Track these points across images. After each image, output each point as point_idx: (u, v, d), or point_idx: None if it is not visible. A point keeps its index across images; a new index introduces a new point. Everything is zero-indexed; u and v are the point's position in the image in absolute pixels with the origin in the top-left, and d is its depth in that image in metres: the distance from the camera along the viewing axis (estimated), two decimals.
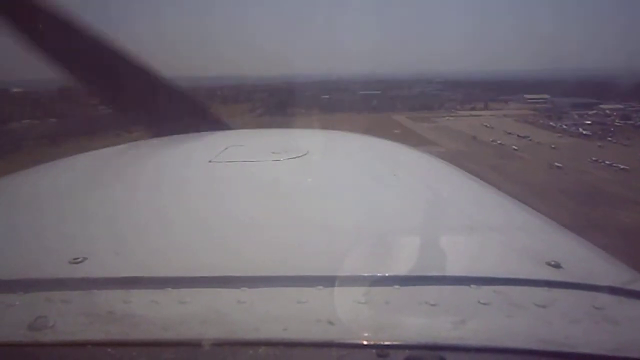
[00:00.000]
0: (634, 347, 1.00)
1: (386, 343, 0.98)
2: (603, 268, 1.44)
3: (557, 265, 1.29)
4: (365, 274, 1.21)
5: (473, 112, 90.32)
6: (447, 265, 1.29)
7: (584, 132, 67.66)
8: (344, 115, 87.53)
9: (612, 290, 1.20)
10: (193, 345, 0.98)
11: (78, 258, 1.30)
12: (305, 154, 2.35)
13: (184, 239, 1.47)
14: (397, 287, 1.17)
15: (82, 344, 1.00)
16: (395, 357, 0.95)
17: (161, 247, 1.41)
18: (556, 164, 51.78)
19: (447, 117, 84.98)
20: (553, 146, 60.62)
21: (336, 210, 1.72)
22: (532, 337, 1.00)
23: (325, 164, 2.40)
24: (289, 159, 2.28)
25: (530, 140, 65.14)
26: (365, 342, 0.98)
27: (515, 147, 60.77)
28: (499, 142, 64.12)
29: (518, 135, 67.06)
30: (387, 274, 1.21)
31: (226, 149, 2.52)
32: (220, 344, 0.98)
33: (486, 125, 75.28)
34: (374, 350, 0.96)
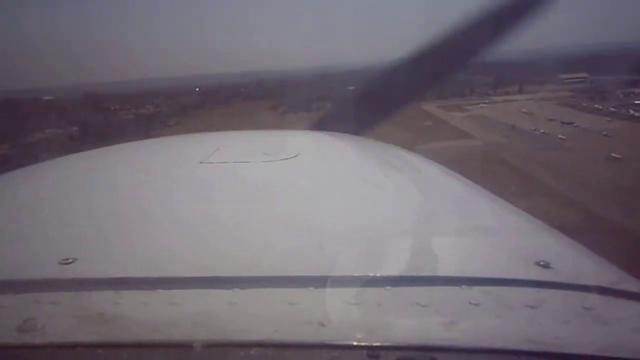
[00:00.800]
0: (623, 347, 1.01)
1: (377, 344, 0.98)
2: (592, 268, 1.45)
3: (546, 266, 1.30)
4: (357, 275, 1.21)
5: (508, 97, 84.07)
6: (438, 266, 1.30)
7: (636, 114, 60.07)
8: None
9: (602, 291, 1.20)
10: (184, 346, 0.98)
11: (68, 259, 1.31)
12: (296, 155, 2.31)
13: (174, 240, 1.46)
14: (388, 288, 1.17)
15: (72, 346, 0.99)
16: (386, 358, 0.95)
17: (152, 248, 1.41)
18: (614, 154, 44.47)
19: (480, 105, 78.91)
20: (604, 133, 53.13)
21: (327, 211, 1.71)
22: (522, 337, 1.01)
23: (316, 165, 2.39)
24: (280, 160, 2.25)
25: (576, 127, 58.64)
26: (356, 343, 0.99)
27: (562, 137, 54.21)
28: (541, 130, 57.84)
29: (562, 122, 60.41)
30: (378, 275, 1.22)
31: (217, 149, 2.46)
32: (211, 346, 0.98)
33: (524, 112, 69.17)
34: (365, 352, 0.96)
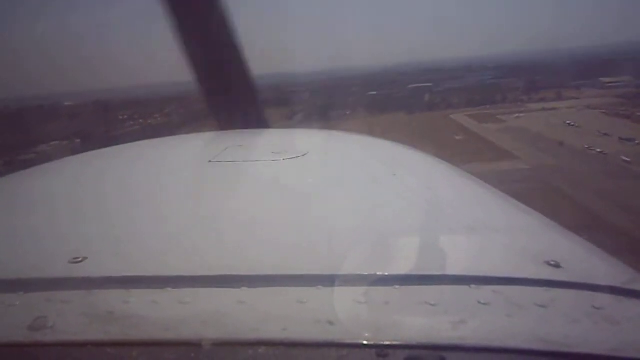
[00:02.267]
0: (634, 347, 0.99)
1: (386, 343, 0.97)
2: (603, 268, 1.43)
3: (556, 265, 1.29)
4: (365, 274, 1.21)
5: (545, 105, 74.24)
6: (447, 265, 1.29)
7: None
8: (394, 116, 74.04)
9: (612, 290, 1.19)
10: (193, 345, 0.97)
11: (78, 258, 1.31)
12: (305, 154, 2.30)
13: (184, 239, 1.47)
14: (397, 287, 1.16)
15: (82, 344, 0.99)
16: (395, 357, 0.94)
17: (161, 247, 1.41)
18: None
19: (516, 114, 69.29)
20: None
21: (336, 210, 1.71)
22: (532, 337, 1.00)
23: (325, 164, 2.38)
24: (288, 159, 2.23)
25: (638, 143, 48.78)
26: (365, 342, 0.97)
27: (627, 159, 44.27)
28: (597, 149, 47.89)
29: (620, 138, 50.33)
30: (387, 274, 1.21)
31: (226, 149, 2.47)
32: (220, 344, 0.97)
33: (570, 124, 59.45)
34: (374, 350, 0.95)
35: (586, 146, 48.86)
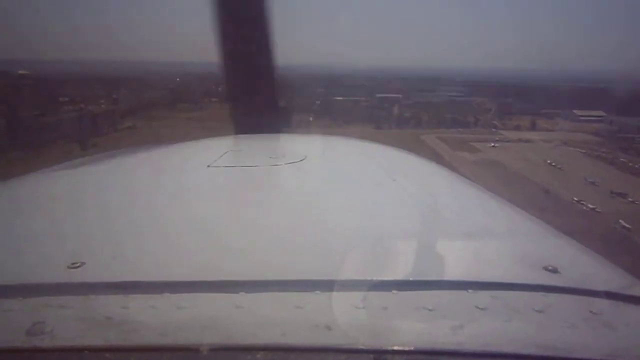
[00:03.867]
0: (632, 352, 0.99)
1: (384, 348, 0.96)
2: (601, 273, 1.41)
3: (554, 270, 1.27)
4: (363, 279, 1.19)
5: (521, 134, 67.93)
6: (445, 270, 1.28)
7: None
8: (361, 129, 66.09)
9: (610, 295, 1.18)
10: (191, 350, 0.96)
11: (76, 263, 1.28)
12: (303, 159, 2.28)
13: (182, 244, 1.44)
14: (395, 292, 1.14)
15: (80, 350, 0.98)
16: None
17: (159, 252, 1.38)
18: None
19: (491, 142, 62.58)
20: None
21: (334, 215, 1.68)
22: (530, 342, 0.99)
23: (323, 169, 2.37)
24: (287, 164, 2.22)
25: (633, 202, 42.24)
26: (363, 347, 0.97)
27: (626, 225, 37.03)
28: (589, 205, 41.11)
29: (611, 192, 43.86)
30: (385, 279, 1.19)
31: (225, 153, 2.46)
32: (218, 349, 0.96)
33: (551, 163, 53.03)
34: (371, 355, 0.95)
35: (575, 199, 42.07)
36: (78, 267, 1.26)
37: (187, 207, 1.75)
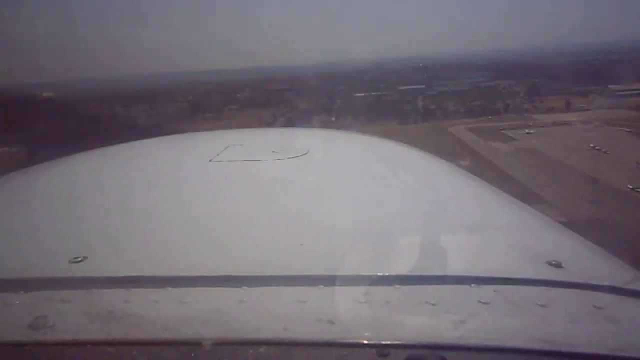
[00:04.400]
0: (635, 346, 0.98)
1: (387, 342, 0.95)
2: (604, 267, 1.41)
3: (557, 265, 1.27)
4: (366, 274, 1.19)
5: (556, 117, 63.12)
6: (448, 264, 1.28)
7: None
8: (385, 127, 62.70)
9: (613, 290, 1.17)
10: (193, 344, 0.96)
11: (78, 257, 1.29)
12: (305, 154, 2.26)
13: (184, 238, 1.45)
14: (397, 286, 1.14)
15: (82, 344, 0.97)
16: (395, 356, 0.92)
17: (161, 247, 1.39)
18: None
19: (525, 129, 58.10)
20: None
21: (337, 210, 1.69)
22: (533, 336, 0.98)
23: (325, 164, 2.33)
24: (289, 158, 2.20)
25: None
26: (365, 342, 0.96)
27: None
28: None
29: None
30: (387, 274, 1.19)
31: (226, 148, 2.42)
32: (221, 344, 0.96)
33: (594, 147, 48.45)
34: (374, 350, 0.94)
35: (630, 186, 37.78)
36: (80, 261, 1.26)
37: (190, 202, 1.71)
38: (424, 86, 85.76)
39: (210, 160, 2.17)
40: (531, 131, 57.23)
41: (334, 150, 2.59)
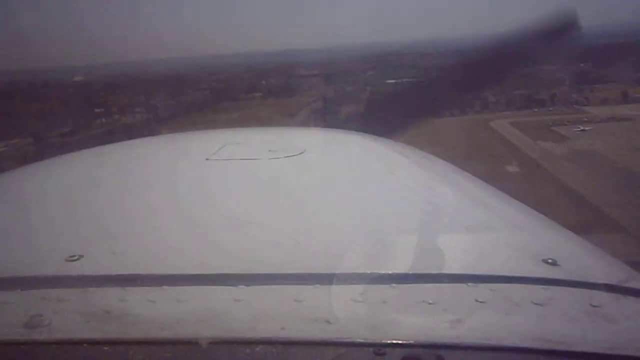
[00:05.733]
0: (631, 345, 0.97)
1: (384, 341, 0.95)
2: (600, 266, 1.41)
3: (554, 263, 1.26)
4: (363, 272, 1.18)
5: (612, 110, 54.59)
6: (444, 263, 1.27)
7: None
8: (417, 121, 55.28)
9: (610, 288, 1.17)
10: (190, 343, 0.95)
11: (74, 256, 1.28)
12: (302, 152, 2.23)
13: (180, 237, 1.44)
14: (394, 285, 1.13)
15: (78, 343, 0.96)
16: (392, 355, 0.92)
17: (158, 245, 1.38)
18: None
19: (579, 126, 50.04)
20: None
21: (333, 208, 1.67)
22: (530, 335, 0.98)
23: (322, 162, 2.31)
24: (286, 157, 2.17)
25: None
26: (362, 341, 0.95)
27: None
28: None
29: None
30: (384, 272, 1.19)
31: (223, 146, 2.38)
32: (217, 343, 0.95)
33: None
34: (371, 349, 0.93)
35: None
36: (76, 260, 1.24)
37: (186, 201, 1.70)
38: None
39: (207, 159, 2.12)
40: (586, 128, 49.18)
41: (331, 149, 2.54)
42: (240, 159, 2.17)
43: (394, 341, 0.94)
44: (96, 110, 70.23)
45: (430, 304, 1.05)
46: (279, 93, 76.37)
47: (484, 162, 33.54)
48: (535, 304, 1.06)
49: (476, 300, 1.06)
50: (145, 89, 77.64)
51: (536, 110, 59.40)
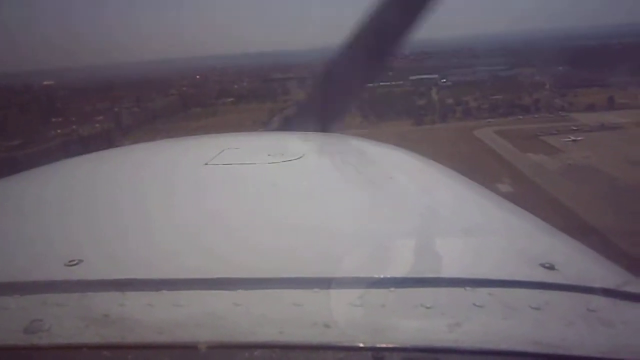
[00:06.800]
0: (628, 349, 0.97)
1: (382, 346, 0.95)
2: (597, 270, 1.39)
3: (551, 267, 1.25)
4: (361, 277, 1.18)
5: (601, 117, 51.15)
6: (442, 267, 1.26)
7: None
8: (397, 127, 51.25)
9: (607, 292, 1.16)
10: (189, 348, 0.95)
11: (74, 261, 1.26)
12: (301, 157, 2.22)
13: (179, 242, 1.43)
14: (392, 289, 1.13)
15: (78, 347, 0.96)
16: (391, 359, 0.92)
17: (157, 250, 1.37)
18: None
19: (569, 135, 46.34)
20: None
21: (332, 213, 1.67)
22: (527, 339, 0.97)
23: (321, 167, 2.32)
24: (285, 161, 2.16)
25: None
26: (361, 345, 0.95)
27: None
28: None
29: None
30: (382, 277, 1.18)
31: (222, 151, 2.36)
32: (216, 347, 0.94)
33: None
34: (369, 353, 0.93)
35: None
36: (76, 264, 1.23)
37: (185, 206, 1.69)
38: (437, 75, 73.74)
39: (205, 164, 2.11)
40: (577, 138, 45.48)
41: (329, 154, 2.54)
42: (239, 164, 2.13)
43: (393, 345, 0.94)
44: (53, 119, 64.31)
45: (428, 308, 1.05)
46: (252, 98, 71.50)
47: (472, 180, 28.64)
48: (533, 308, 1.06)
49: (474, 304, 1.06)
50: (111, 95, 71.75)
51: (521, 117, 55.82)
